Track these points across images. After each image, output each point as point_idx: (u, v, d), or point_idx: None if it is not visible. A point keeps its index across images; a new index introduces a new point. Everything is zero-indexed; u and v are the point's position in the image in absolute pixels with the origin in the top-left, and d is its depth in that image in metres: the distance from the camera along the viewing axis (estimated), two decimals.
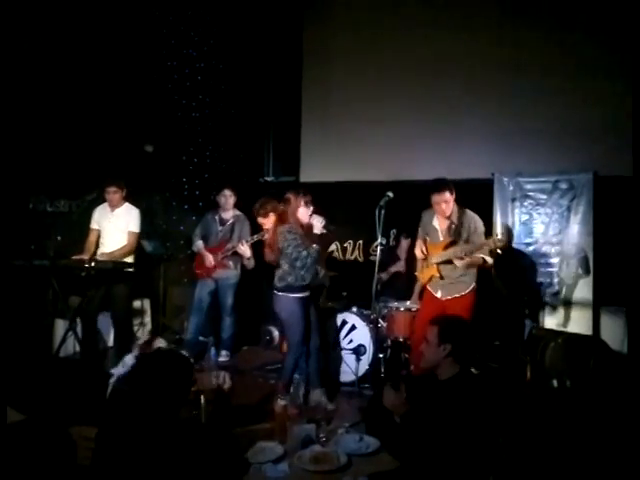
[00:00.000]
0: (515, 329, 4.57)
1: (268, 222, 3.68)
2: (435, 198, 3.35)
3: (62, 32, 4.49)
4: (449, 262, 3.37)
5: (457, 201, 3.44)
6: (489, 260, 3.33)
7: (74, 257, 3.97)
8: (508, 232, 4.53)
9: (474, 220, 3.39)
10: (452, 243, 3.38)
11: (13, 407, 2.28)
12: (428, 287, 3.52)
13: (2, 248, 4.01)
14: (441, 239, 3.46)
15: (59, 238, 4.06)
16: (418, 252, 3.54)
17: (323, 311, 4.14)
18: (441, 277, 3.40)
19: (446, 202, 3.34)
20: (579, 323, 4.49)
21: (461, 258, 3.23)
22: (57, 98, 4.54)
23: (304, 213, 3.34)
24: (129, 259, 4.19)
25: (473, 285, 3.41)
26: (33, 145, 4.40)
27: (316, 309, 3.55)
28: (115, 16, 4.81)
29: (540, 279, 4.69)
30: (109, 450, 1.65)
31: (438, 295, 3.44)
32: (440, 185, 3.35)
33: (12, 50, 4.20)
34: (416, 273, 3.65)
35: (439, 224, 3.47)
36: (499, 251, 3.29)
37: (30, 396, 2.78)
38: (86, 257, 4.02)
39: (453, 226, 3.37)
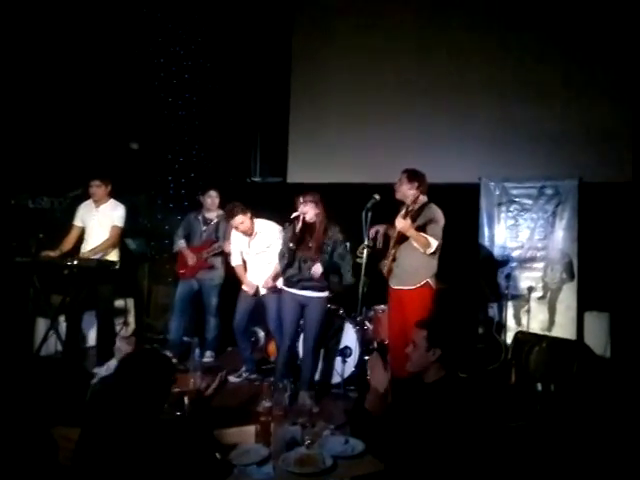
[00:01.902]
0: (499, 332, 4.62)
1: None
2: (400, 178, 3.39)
3: (47, 28, 4.43)
4: (406, 250, 3.29)
5: (435, 203, 3.38)
6: (433, 243, 3.21)
7: (44, 253, 3.89)
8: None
9: (431, 210, 3.33)
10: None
11: None
12: (389, 283, 3.46)
13: None
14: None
15: (41, 235, 3.98)
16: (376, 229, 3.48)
17: None
18: (394, 259, 3.33)
19: (398, 182, 3.37)
20: (563, 327, 4.55)
21: (406, 223, 3.14)
22: (41, 94, 4.47)
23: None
24: (113, 257, 4.12)
25: (426, 281, 3.29)
26: (16, 141, 4.32)
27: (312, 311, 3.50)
28: (103, 13, 4.76)
29: (525, 283, 4.74)
30: (90, 450, 1.62)
31: (392, 285, 3.40)
32: (404, 170, 3.41)
33: None
34: (380, 267, 3.51)
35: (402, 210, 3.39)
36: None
37: (10, 395, 2.72)
38: (56, 254, 3.94)
39: (411, 213, 3.25)
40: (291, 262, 3.44)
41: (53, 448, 2.03)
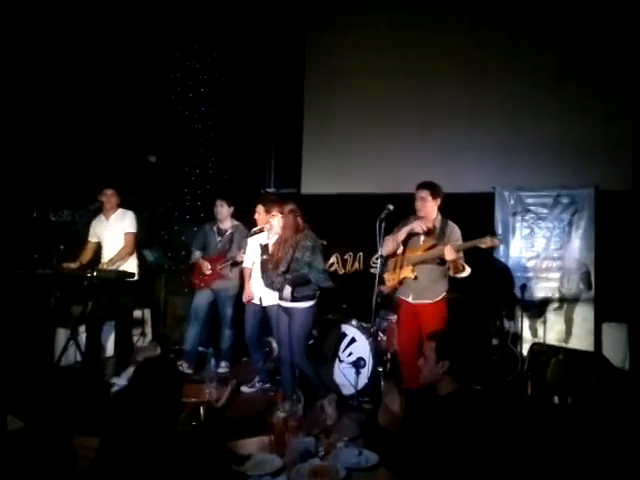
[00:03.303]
0: (515, 343, 4.56)
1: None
2: (418, 194, 3.39)
3: (68, 44, 4.57)
4: (425, 265, 3.35)
5: (449, 213, 3.44)
6: (468, 270, 3.29)
7: (65, 265, 3.98)
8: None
9: (455, 230, 3.39)
10: (433, 247, 3.36)
11: (14, 415, 2.29)
12: (400, 295, 3.48)
13: (6, 257, 4.04)
14: (421, 243, 3.43)
15: (62, 247, 4.08)
16: (391, 244, 3.43)
17: (322, 323, 4.17)
18: (415, 278, 3.36)
19: (422, 199, 3.36)
20: (581, 339, 4.48)
21: (455, 252, 3.19)
22: (62, 109, 4.60)
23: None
24: (131, 268, 4.19)
25: (444, 294, 3.37)
26: (37, 156, 4.45)
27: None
28: (121, 29, 4.89)
29: (541, 294, 4.69)
30: (109, 460, 1.65)
31: (409, 299, 3.41)
32: (422, 183, 3.41)
33: (17, 61, 4.27)
34: (384, 275, 3.53)
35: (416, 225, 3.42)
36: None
37: (31, 404, 2.78)
38: (76, 266, 4.04)
39: (436, 231, 3.36)
40: (265, 274, 3.49)
41: (72, 457, 2.07)
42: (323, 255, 3.53)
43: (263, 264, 3.50)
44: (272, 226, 3.50)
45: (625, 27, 4.58)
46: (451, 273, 3.32)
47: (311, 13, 5.97)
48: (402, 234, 3.39)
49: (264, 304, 3.90)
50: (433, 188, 3.39)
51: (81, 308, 4.03)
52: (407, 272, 3.40)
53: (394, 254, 3.49)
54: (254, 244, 3.98)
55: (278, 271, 3.38)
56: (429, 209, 3.38)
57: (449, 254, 3.19)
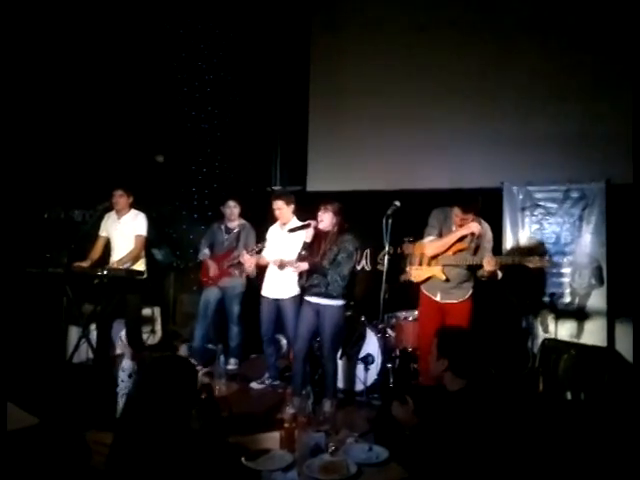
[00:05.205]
0: (526, 340, 4.53)
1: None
2: (460, 215, 3.29)
3: (77, 46, 4.61)
4: (456, 266, 3.35)
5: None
6: (500, 276, 3.31)
7: (76, 264, 4.02)
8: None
9: (488, 232, 3.40)
10: (462, 250, 3.35)
11: (29, 411, 2.32)
12: (425, 290, 3.47)
13: (18, 256, 4.09)
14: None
15: (73, 246, 4.12)
16: (432, 248, 3.40)
17: None
18: (447, 279, 3.36)
19: (465, 220, 3.32)
20: (593, 334, 4.43)
21: (495, 264, 3.18)
22: (70, 111, 4.64)
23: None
24: (141, 267, 4.23)
25: (471, 292, 3.39)
26: (48, 157, 4.50)
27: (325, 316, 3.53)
28: (127, 30, 4.92)
29: (552, 289, 4.65)
30: (123, 455, 1.67)
31: (437, 298, 3.41)
32: (469, 205, 3.29)
33: (28, 62, 4.32)
34: (407, 268, 3.54)
35: (456, 228, 3.41)
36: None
37: (45, 401, 2.82)
38: (87, 265, 4.08)
39: (474, 238, 3.33)
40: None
41: (87, 452, 2.10)
42: (354, 267, 3.56)
43: (301, 260, 3.49)
44: (323, 221, 3.46)
45: (635, 19, 4.52)
46: (483, 279, 3.32)
47: (315, 9, 5.96)
48: (454, 238, 3.34)
49: (277, 297, 3.92)
50: (477, 205, 3.31)
51: (92, 306, 4.07)
52: (437, 272, 3.39)
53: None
54: (273, 238, 4.02)
55: (320, 262, 3.40)
56: (475, 224, 3.32)
57: (489, 265, 3.16)
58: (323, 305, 3.44)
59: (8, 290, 3.98)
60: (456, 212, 3.31)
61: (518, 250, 4.51)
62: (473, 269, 3.35)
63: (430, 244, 3.40)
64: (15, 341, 3.86)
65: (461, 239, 3.35)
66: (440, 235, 3.41)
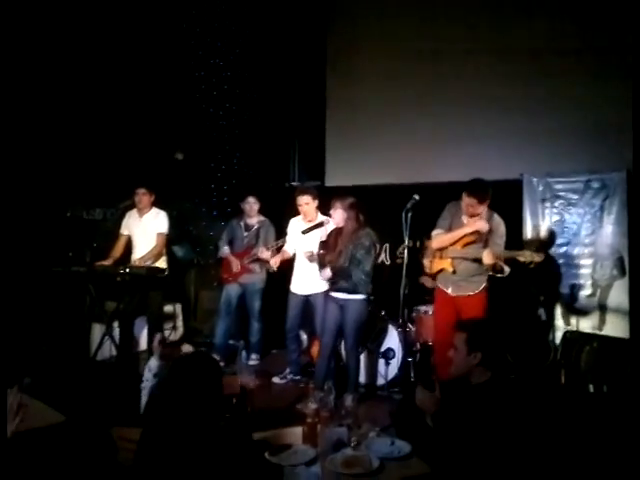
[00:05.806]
0: (547, 332, 4.48)
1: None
2: (467, 200, 3.29)
3: (98, 45, 4.67)
4: (465, 259, 3.33)
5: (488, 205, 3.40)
6: (507, 270, 3.26)
7: (99, 263, 4.09)
8: (545, 246, 4.42)
9: (500, 227, 3.34)
10: (471, 243, 3.33)
11: (55, 409, 2.38)
12: (438, 283, 3.47)
13: (42, 255, 4.18)
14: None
15: (95, 245, 4.20)
16: (437, 241, 3.41)
17: None
18: (454, 272, 3.35)
19: (473, 206, 3.29)
20: (615, 326, 4.36)
21: (493, 258, 3.16)
22: (91, 110, 4.71)
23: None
24: (162, 264, 4.29)
25: (484, 285, 3.35)
26: (69, 157, 4.57)
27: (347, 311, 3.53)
28: (146, 30, 4.97)
29: (573, 281, 4.58)
30: (151, 451, 1.70)
31: (449, 291, 3.40)
32: (476, 189, 3.27)
33: (47, 62, 4.39)
34: (424, 260, 3.55)
35: (467, 222, 3.40)
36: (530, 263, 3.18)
37: (70, 398, 2.88)
38: (109, 263, 4.14)
39: (483, 235, 3.31)
40: (321, 265, 3.52)
41: (113, 448, 2.14)
42: (375, 260, 3.54)
43: (320, 258, 3.52)
44: (334, 218, 3.47)
45: None
46: (490, 273, 3.30)
47: (332, 3, 5.92)
48: (460, 234, 3.33)
49: (307, 292, 3.93)
50: (487, 191, 3.28)
51: (115, 304, 4.14)
52: (446, 264, 3.39)
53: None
54: (295, 232, 4.01)
55: (337, 264, 3.40)
56: (481, 209, 3.31)
57: (487, 259, 3.15)
58: (347, 300, 3.46)
59: (34, 289, 4.08)
60: (465, 199, 3.29)
61: (534, 242, 4.45)
62: (483, 266, 3.31)
63: (436, 237, 3.42)
64: (41, 340, 3.95)
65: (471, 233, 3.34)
66: (450, 228, 3.40)
